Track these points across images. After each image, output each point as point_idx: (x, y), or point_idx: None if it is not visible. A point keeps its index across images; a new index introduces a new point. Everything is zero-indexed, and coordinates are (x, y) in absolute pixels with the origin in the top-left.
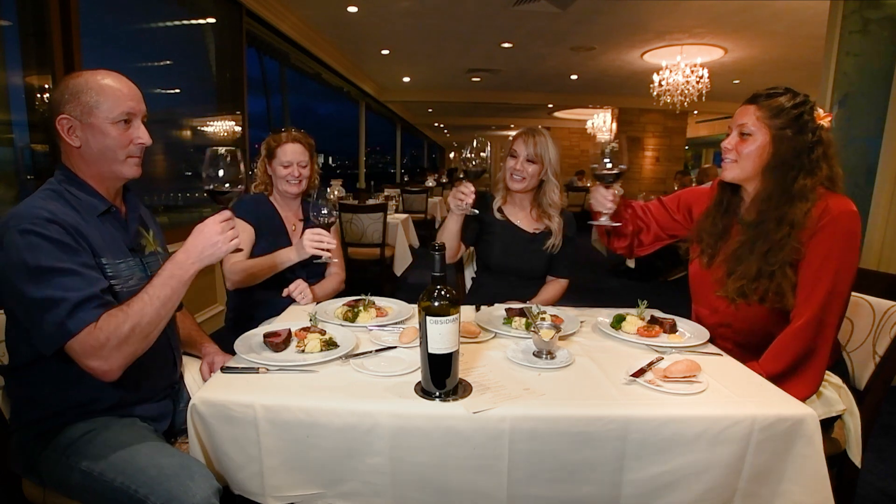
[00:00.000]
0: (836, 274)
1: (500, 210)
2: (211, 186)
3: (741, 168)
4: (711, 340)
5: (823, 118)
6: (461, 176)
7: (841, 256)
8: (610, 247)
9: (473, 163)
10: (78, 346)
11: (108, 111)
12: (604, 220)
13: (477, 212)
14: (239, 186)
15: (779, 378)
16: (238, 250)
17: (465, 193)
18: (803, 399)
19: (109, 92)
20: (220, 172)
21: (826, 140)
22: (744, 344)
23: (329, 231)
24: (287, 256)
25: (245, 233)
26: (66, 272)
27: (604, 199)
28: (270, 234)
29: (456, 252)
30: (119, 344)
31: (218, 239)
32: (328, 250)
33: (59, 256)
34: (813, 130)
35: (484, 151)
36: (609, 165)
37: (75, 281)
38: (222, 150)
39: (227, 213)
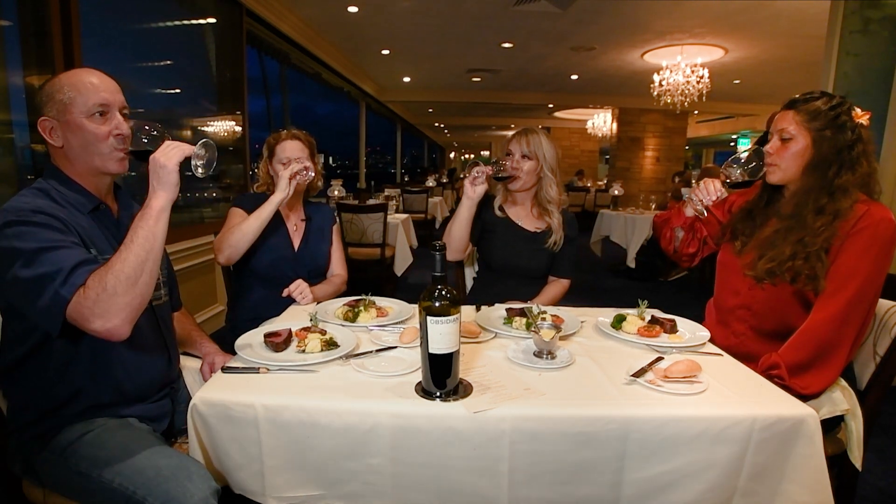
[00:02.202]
0: (868, 275)
1: (501, 209)
2: (138, 147)
3: (784, 171)
4: (727, 323)
5: (861, 116)
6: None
7: (876, 260)
8: (677, 255)
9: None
10: (75, 313)
11: (81, 105)
12: (699, 207)
13: (492, 172)
14: (163, 137)
15: (796, 369)
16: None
17: (481, 169)
18: (818, 392)
19: (81, 87)
20: (143, 138)
21: (866, 137)
22: (758, 328)
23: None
24: (271, 202)
25: (240, 217)
26: (56, 248)
27: (714, 191)
28: (270, 234)
29: (465, 246)
30: (108, 297)
31: (159, 160)
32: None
33: (48, 236)
34: (852, 129)
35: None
36: (739, 172)
37: (66, 253)
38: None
39: (165, 143)
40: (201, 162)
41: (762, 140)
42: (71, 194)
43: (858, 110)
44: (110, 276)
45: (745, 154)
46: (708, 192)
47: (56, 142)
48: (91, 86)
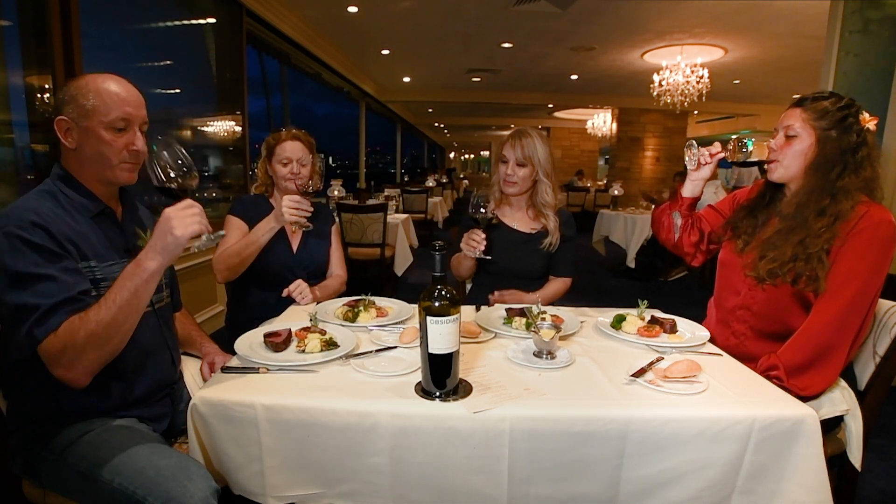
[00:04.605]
0: (867, 276)
1: (495, 213)
2: (163, 183)
3: (786, 168)
4: (727, 323)
5: (869, 121)
6: (474, 217)
7: (875, 261)
8: (679, 244)
9: (482, 210)
10: (43, 354)
11: (103, 115)
12: (697, 156)
13: (489, 258)
14: (192, 175)
15: (795, 370)
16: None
17: (477, 241)
18: (816, 393)
19: (107, 96)
20: (167, 166)
21: (871, 142)
22: (758, 329)
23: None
24: (267, 226)
25: (238, 229)
26: (43, 278)
27: (713, 150)
28: None
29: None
30: (77, 352)
31: (173, 225)
32: (305, 218)
33: (39, 262)
34: (858, 132)
35: (488, 203)
36: (747, 154)
37: (51, 287)
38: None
39: (187, 202)
40: (199, 242)
41: None
42: (77, 197)
43: (867, 115)
44: (83, 333)
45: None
46: (710, 151)
47: (70, 143)
48: (116, 97)
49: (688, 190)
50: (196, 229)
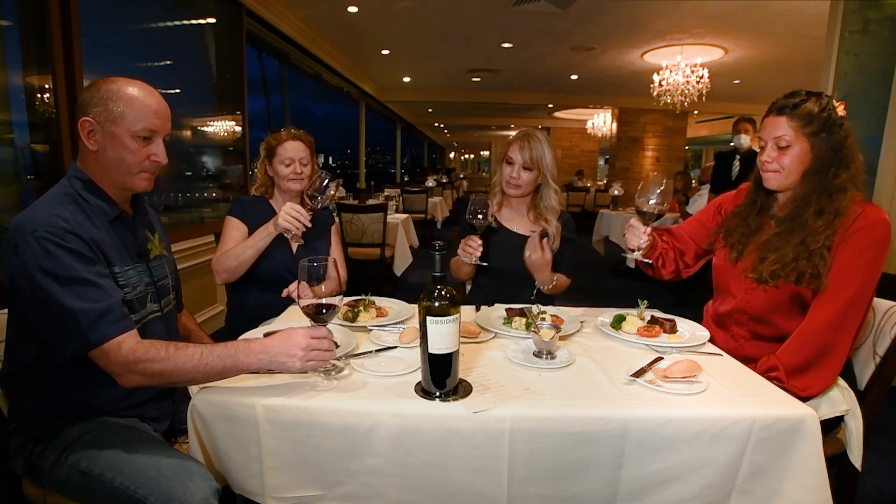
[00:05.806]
0: (865, 276)
1: (494, 216)
2: (307, 303)
3: (785, 177)
4: (725, 326)
5: (839, 107)
6: (471, 222)
7: (872, 260)
8: (657, 276)
9: (479, 216)
10: (100, 356)
11: (131, 124)
12: (637, 255)
13: (486, 264)
14: (338, 299)
15: (795, 371)
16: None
17: (473, 248)
18: (816, 393)
19: (137, 105)
20: (314, 281)
21: (850, 129)
22: (755, 331)
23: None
24: (265, 231)
25: (237, 230)
26: (84, 282)
27: (640, 234)
28: None
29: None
30: (143, 374)
31: (297, 353)
32: (300, 229)
33: (76, 267)
34: (840, 125)
35: (485, 209)
36: (653, 203)
37: (93, 292)
38: (316, 261)
39: (324, 331)
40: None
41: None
42: (96, 202)
43: (833, 101)
44: (160, 367)
45: (659, 188)
46: (636, 236)
47: (92, 146)
48: (147, 108)
49: (633, 264)
50: (314, 366)
